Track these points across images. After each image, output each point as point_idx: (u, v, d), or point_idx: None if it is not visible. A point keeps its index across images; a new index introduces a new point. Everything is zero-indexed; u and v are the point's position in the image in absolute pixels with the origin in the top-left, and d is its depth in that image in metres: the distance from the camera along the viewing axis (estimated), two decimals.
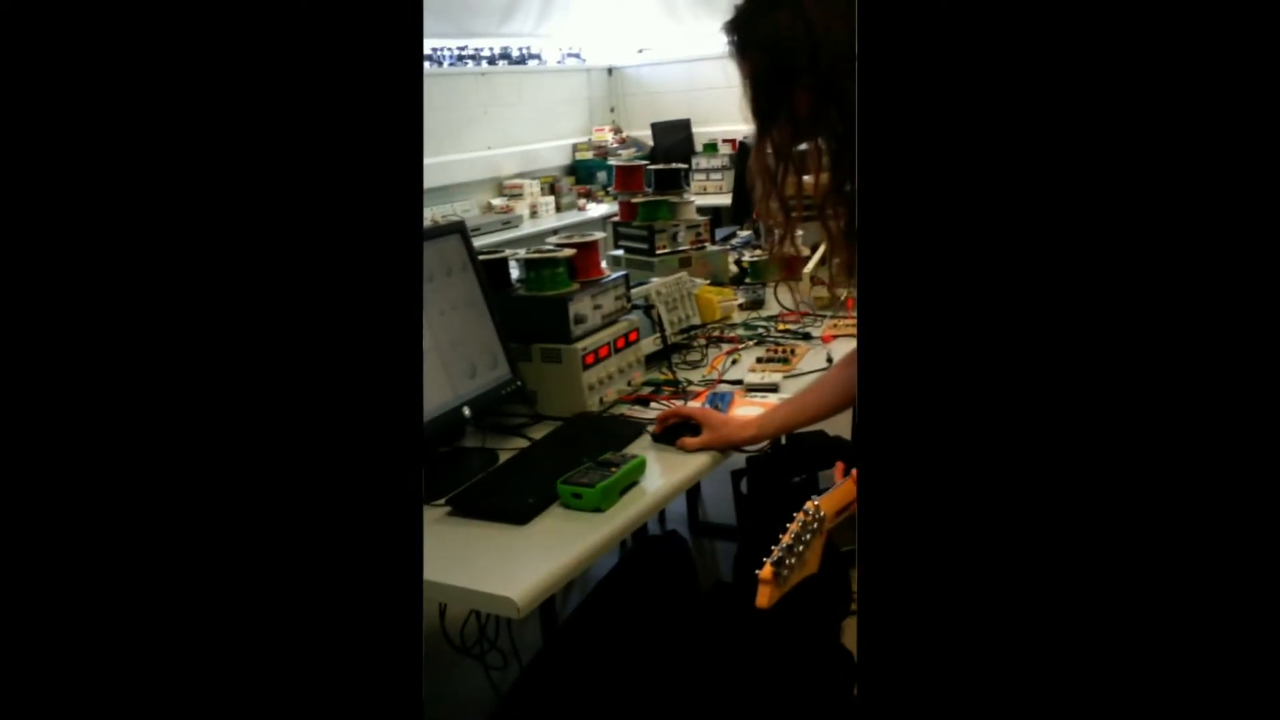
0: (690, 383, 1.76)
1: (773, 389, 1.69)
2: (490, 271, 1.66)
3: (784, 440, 2.86)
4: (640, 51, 5.47)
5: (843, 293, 2.18)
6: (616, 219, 2.50)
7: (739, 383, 1.74)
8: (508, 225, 4.41)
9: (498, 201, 4.66)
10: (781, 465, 2.60)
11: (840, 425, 2.92)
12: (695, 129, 5.15)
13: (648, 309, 1.88)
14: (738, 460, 2.52)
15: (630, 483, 1.33)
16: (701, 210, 2.52)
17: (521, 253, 1.77)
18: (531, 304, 1.65)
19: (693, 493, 2.94)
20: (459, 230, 1.61)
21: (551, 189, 4.85)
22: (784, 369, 1.79)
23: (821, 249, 2.34)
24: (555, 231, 4.17)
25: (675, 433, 1.48)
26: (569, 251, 1.70)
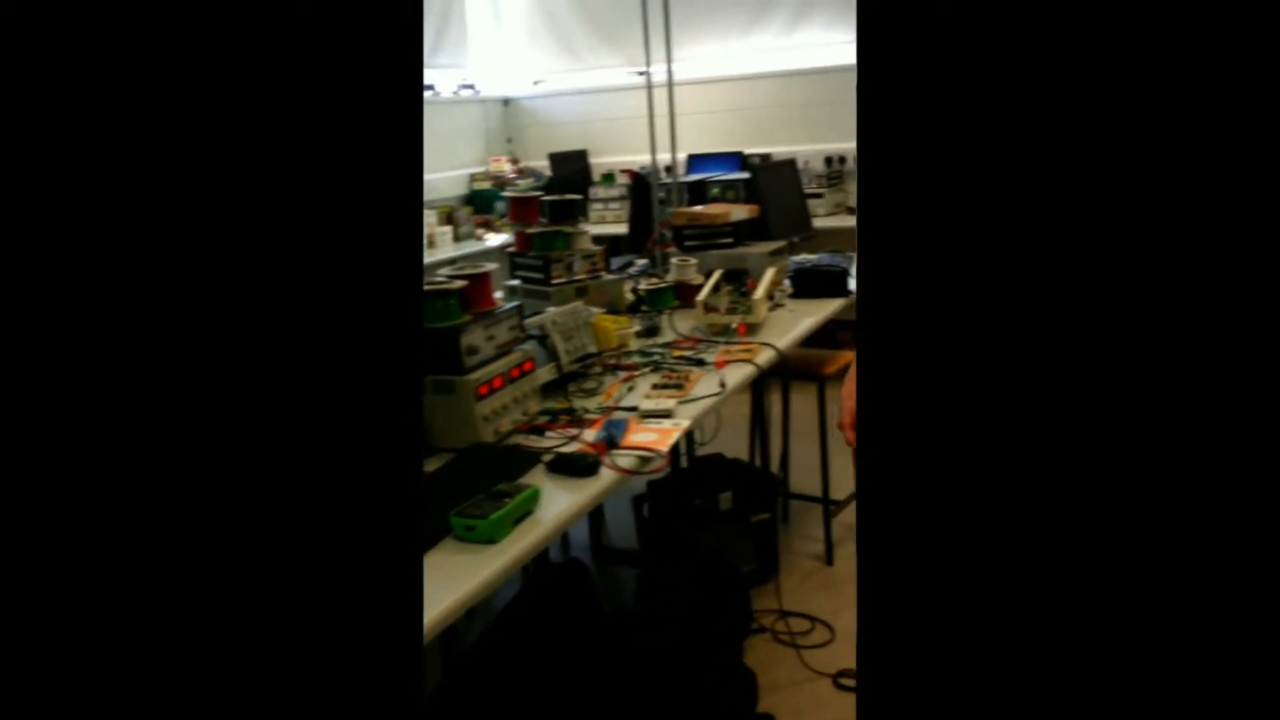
0: (586, 410, 1.77)
1: (666, 415, 1.72)
2: None
3: (684, 463, 2.90)
4: (536, 84, 5.51)
5: (735, 320, 2.23)
6: (513, 249, 2.52)
7: (634, 409, 1.76)
8: None
9: None
10: (682, 488, 2.64)
11: (739, 448, 2.98)
12: (592, 159, 5.20)
13: (543, 339, 1.89)
14: (638, 484, 2.54)
15: (524, 513, 1.34)
16: (600, 239, 2.56)
17: None
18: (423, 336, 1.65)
19: (596, 518, 2.95)
20: None
21: (449, 219, 4.83)
22: (678, 395, 1.82)
23: (715, 276, 2.40)
24: (453, 261, 4.12)
25: (570, 464, 1.50)
26: (460, 283, 1.70)
